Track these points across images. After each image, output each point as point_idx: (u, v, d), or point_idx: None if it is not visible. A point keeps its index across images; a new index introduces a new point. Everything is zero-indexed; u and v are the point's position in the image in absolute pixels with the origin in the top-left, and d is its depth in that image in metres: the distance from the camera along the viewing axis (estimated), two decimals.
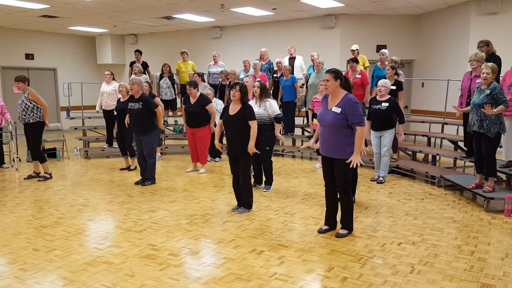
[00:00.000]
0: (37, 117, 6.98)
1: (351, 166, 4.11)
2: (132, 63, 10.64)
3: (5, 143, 8.48)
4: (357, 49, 9.04)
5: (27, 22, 12.28)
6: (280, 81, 9.14)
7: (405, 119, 6.86)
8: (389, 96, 6.60)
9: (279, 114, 6.13)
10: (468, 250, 4.04)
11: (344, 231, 4.41)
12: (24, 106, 6.92)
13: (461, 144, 7.44)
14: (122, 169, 8.07)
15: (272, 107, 6.09)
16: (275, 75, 9.49)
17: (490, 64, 5.37)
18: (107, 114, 9.07)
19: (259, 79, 7.83)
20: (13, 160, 8.32)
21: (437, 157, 7.83)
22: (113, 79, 9.24)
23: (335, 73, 4.18)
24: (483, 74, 5.32)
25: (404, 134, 9.04)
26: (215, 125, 7.54)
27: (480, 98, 5.29)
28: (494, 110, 5.10)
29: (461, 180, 6.16)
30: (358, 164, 4.13)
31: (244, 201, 5.29)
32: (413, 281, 3.40)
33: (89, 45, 15.66)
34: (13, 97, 12.23)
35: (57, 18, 11.67)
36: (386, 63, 7.81)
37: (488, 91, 5.23)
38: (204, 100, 7.42)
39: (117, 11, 10.65)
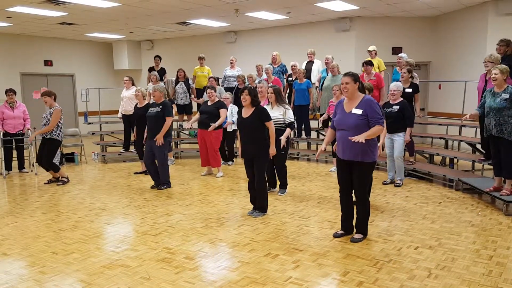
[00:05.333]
0: (56, 135, 7.14)
1: (353, 140, 3.96)
2: (151, 69, 10.77)
3: (25, 148, 8.65)
4: (374, 50, 8.98)
5: (46, 29, 12.54)
6: (294, 84, 9.14)
7: (413, 124, 6.73)
8: (401, 99, 6.59)
9: (292, 122, 6.17)
10: (486, 255, 3.97)
11: (360, 236, 4.38)
12: (47, 121, 7.09)
13: (479, 146, 7.32)
14: (136, 173, 8.16)
15: (288, 113, 6.12)
16: (290, 78, 9.49)
17: (499, 65, 5.30)
18: (126, 118, 9.19)
19: (271, 84, 7.85)
20: (33, 165, 8.48)
21: (455, 160, 7.73)
22: (133, 84, 9.36)
23: (354, 76, 4.19)
24: (492, 75, 5.26)
25: (421, 136, 9.04)
26: (221, 127, 7.63)
27: (497, 102, 5.21)
28: None
29: (479, 183, 6.07)
30: (360, 140, 3.90)
31: (259, 205, 5.30)
32: (430, 286, 3.35)
33: (106, 51, 15.90)
34: (32, 104, 12.48)
35: (74, 25, 11.90)
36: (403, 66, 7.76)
37: (506, 95, 5.14)
38: (220, 104, 7.54)
39: (133, 17, 10.80)
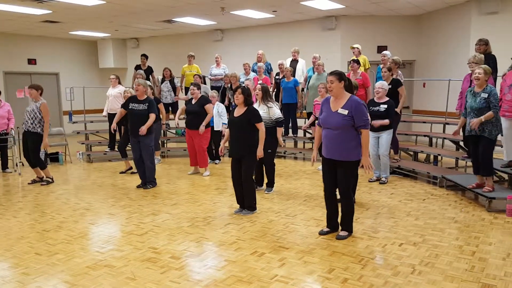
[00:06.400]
0: (40, 130, 7.01)
1: (364, 170, 4.20)
2: (137, 67, 10.69)
3: (9, 148, 8.52)
4: (357, 48, 8.98)
5: (29, 27, 12.35)
6: (281, 83, 9.15)
7: (393, 123, 6.75)
8: (388, 98, 6.64)
9: (280, 118, 6.16)
10: (469, 250, 4.04)
11: (345, 233, 4.42)
12: (34, 115, 6.95)
13: (463, 144, 7.42)
14: (122, 172, 8.10)
15: (271, 111, 6.12)
16: (277, 76, 9.50)
17: (483, 65, 5.38)
18: (112, 117, 9.09)
19: (261, 81, 7.85)
20: (16, 165, 8.36)
21: (439, 158, 7.82)
22: (119, 82, 9.29)
23: (339, 75, 4.20)
24: (475, 74, 5.32)
25: (406, 134, 9.14)
26: (209, 126, 7.62)
27: (478, 102, 5.28)
28: (482, 118, 5.13)
29: (462, 180, 6.15)
30: (370, 167, 4.19)
31: (248, 204, 5.31)
32: (414, 282, 3.40)
33: (91, 49, 15.74)
34: (16, 103, 12.29)
35: (58, 23, 11.74)
36: (388, 64, 7.80)
37: (485, 95, 5.22)
38: (204, 100, 7.50)
39: (118, 15, 10.70)
